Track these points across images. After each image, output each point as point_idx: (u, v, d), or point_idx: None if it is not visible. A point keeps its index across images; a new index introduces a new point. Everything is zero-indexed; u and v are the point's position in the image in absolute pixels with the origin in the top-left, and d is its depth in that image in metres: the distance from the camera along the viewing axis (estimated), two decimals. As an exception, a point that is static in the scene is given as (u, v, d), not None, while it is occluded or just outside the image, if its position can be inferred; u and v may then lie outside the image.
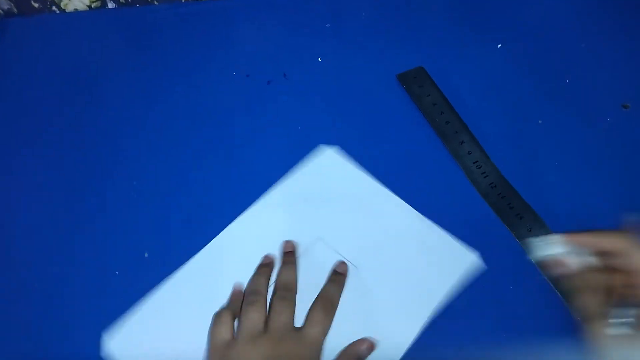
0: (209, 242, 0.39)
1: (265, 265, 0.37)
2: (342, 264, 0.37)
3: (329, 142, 0.44)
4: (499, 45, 0.50)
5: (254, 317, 0.33)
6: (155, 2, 0.56)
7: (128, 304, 0.37)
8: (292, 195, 0.41)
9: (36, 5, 0.55)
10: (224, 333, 0.33)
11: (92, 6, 0.56)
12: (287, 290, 0.35)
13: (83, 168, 0.44)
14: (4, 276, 0.38)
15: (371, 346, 0.33)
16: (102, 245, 0.40)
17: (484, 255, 0.38)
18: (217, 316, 0.34)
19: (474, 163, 0.43)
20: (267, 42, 0.52)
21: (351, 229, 0.39)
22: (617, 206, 0.40)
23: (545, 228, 0.39)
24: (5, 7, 0.56)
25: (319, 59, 0.50)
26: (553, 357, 0.31)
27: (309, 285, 0.36)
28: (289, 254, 0.38)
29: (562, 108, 0.46)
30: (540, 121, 0.45)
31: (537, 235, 0.38)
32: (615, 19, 0.52)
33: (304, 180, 0.42)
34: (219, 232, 0.39)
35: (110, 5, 0.56)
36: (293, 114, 0.46)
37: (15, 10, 0.56)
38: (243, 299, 0.35)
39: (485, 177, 0.42)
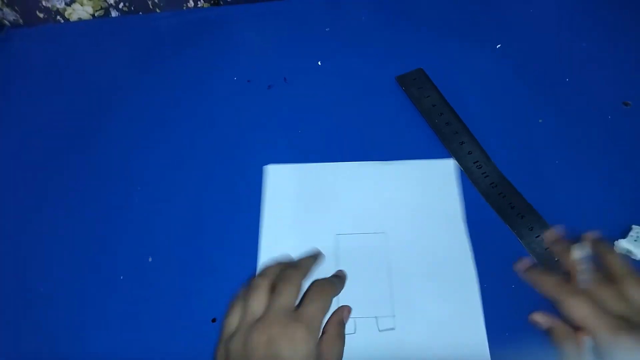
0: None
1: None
2: (339, 271, 0.36)
3: (330, 143, 0.44)
4: (499, 46, 0.50)
5: (253, 304, 0.31)
6: (158, 10, 0.57)
7: (132, 307, 0.37)
8: (277, 218, 0.41)
9: (41, 15, 0.56)
10: (233, 323, 0.31)
11: (96, 15, 0.57)
12: (294, 268, 0.33)
13: (87, 174, 0.44)
14: (9, 280, 0.39)
15: (349, 310, 0.35)
16: (106, 250, 0.40)
17: (485, 254, 0.38)
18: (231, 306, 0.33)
19: (474, 163, 0.43)
20: (267, 47, 0.52)
21: (352, 211, 0.41)
22: (618, 204, 0.40)
23: (546, 227, 0.39)
24: (11, 18, 0.57)
25: (319, 62, 0.50)
26: (553, 357, 0.31)
27: (358, 275, 0.37)
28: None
29: (563, 107, 0.46)
30: (540, 120, 0.45)
31: (538, 234, 0.39)
32: (615, 16, 0.52)
33: (275, 203, 0.42)
34: (220, 234, 0.40)
35: (114, 13, 0.57)
36: (294, 117, 0.47)
37: (21, 21, 0.57)
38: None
39: (485, 177, 0.42)
